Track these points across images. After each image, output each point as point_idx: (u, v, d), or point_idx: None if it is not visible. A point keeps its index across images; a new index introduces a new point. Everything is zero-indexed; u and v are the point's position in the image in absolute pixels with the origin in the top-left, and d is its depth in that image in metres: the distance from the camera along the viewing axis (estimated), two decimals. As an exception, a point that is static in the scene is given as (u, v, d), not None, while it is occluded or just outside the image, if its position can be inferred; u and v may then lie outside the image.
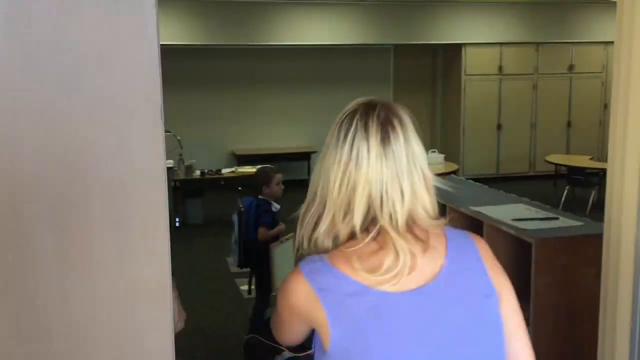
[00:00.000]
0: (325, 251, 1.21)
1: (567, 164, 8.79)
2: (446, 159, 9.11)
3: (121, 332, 1.17)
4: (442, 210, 3.03)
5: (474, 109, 10.35)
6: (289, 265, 3.08)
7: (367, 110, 1.23)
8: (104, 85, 1.11)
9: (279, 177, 4.39)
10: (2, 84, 1.05)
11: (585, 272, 2.28)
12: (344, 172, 1.19)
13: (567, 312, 2.25)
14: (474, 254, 1.24)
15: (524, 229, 2.38)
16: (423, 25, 9.92)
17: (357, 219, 1.18)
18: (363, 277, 1.15)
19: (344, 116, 1.26)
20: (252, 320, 4.35)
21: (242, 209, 4.29)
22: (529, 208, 2.74)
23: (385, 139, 1.20)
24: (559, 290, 2.25)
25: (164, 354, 1.20)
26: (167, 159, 8.00)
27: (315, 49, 10.09)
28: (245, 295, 5.61)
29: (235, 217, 4.35)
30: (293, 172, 10.27)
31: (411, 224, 1.19)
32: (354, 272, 1.16)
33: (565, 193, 8.56)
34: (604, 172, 8.63)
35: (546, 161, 9.22)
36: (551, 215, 2.58)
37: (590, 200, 8.34)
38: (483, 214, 2.65)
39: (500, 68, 10.33)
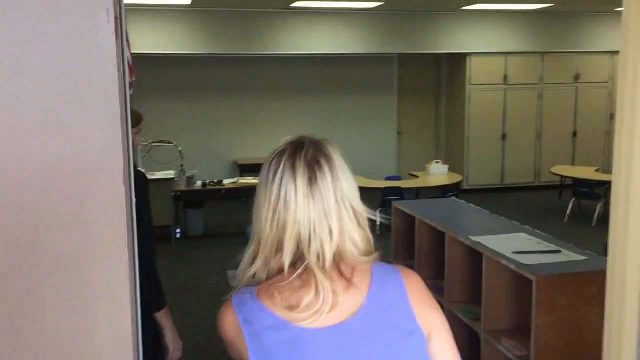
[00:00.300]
0: (259, 283, 1.25)
1: (573, 176, 8.68)
2: (450, 169, 9.03)
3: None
4: (441, 238, 2.95)
5: (479, 118, 10.26)
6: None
7: (295, 150, 1.25)
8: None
9: None
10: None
11: (589, 310, 2.19)
12: (274, 212, 1.23)
13: (569, 353, 2.16)
14: (399, 291, 1.24)
15: (524, 265, 2.29)
16: (427, 35, 9.85)
17: (287, 257, 1.22)
18: (283, 313, 1.19)
19: (274, 156, 1.28)
20: None
21: None
22: (530, 238, 2.65)
23: (312, 179, 1.22)
24: (561, 330, 2.16)
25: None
26: (168, 169, 7.99)
27: (319, 58, 10.03)
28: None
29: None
30: (296, 182, 10.21)
31: (339, 261, 1.22)
32: (276, 307, 1.20)
33: (571, 205, 8.47)
34: (610, 184, 8.53)
35: (551, 172, 9.12)
36: (553, 248, 2.49)
37: (596, 213, 8.24)
38: (482, 245, 2.57)
39: (505, 78, 10.24)
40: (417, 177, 8.79)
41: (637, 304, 1.86)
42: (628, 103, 1.81)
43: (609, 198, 8.30)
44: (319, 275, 1.19)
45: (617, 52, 8.85)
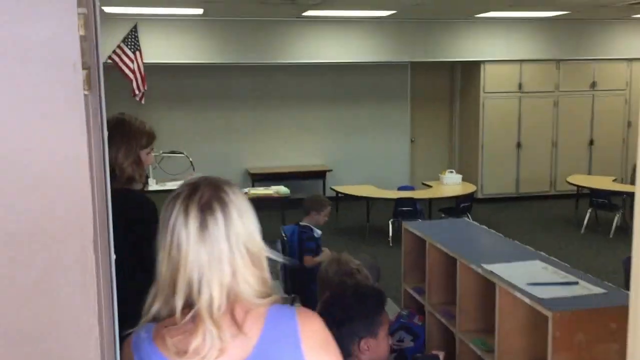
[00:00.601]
0: (160, 320, 1.27)
1: (590, 186, 8.53)
2: (464, 178, 8.92)
3: None
4: (453, 263, 2.86)
5: (493, 127, 10.13)
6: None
7: (189, 194, 1.26)
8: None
9: (330, 209, 4.45)
10: None
11: (608, 347, 2.09)
12: (169, 254, 1.24)
13: (587, 393, 2.07)
14: (292, 337, 1.24)
15: (540, 298, 2.20)
16: (441, 42, 9.75)
17: (179, 300, 1.22)
18: (174, 357, 1.20)
19: (170, 199, 1.29)
20: None
21: (285, 237, 4.35)
22: (546, 267, 2.55)
23: (203, 224, 1.23)
24: (578, 369, 2.07)
25: None
26: (178, 180, 7.94)
27: (332, 66, 9.96)
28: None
29: (278, 245, 4.42)
30: (308, 191, 10.14)
31: (234, 303, 1.23)
32: (168, 350, 1.21)
33: (587, 216, 8.32)
34: (627, 194, 8.42)
35: (567, 182, 8.97)
36: (570, 279, 2.39)
37: (614, 224, 8.09)
38: (496, 274, 2.47)
39: (520, 85, 10.11)
40: (430, 186, 8.68)
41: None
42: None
43: (627, 209, 8.14)
44: (207, 320, 1.19)
45: (634, 60, 8.74)
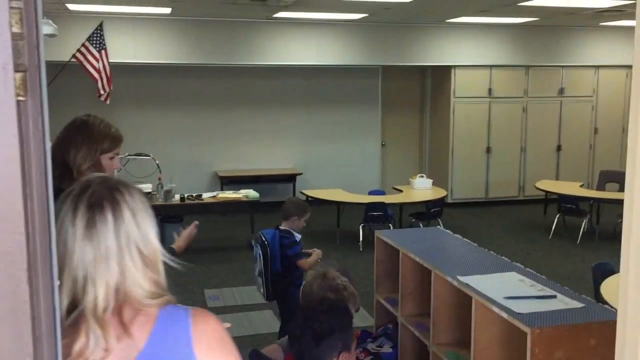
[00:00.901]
0: None
1: (558, 191, 8.59)
2: (435, 182, 8.90)
3: None
4: (427, 276, 2.78)
5: (463, 131, 10.15)
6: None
7: (80, 192, 1.25)
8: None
9: (309, 215, 4.33)
10: None
11: (587, 364, 2.03)
12: (57, 253, 1.16)
13: (566, 411, 2.00)
14: (183, 338, 1.23)
15: (517, 313, 2.13)
16: (412, 47, 9.73)
17: (64, 299, 1.19)
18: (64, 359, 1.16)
19: (62, 197, 1.26)
20: None
21: (266, 242, 4.25)
22: (522, 279, 2.49)
23: (90, 222, 1.21)
24: (557, 387, 2.00)
25: None
26: (146, 183, 7.75)
27: (303, 69, 9.86)
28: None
29: (258, 250, 4.31)
30: (278, 195, 10.01)
31: (122, 304, 1.21)
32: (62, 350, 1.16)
33: (555, 221, 8.38)
34: (595, 200, 8.52)
35: (536, 187, 9.02)
36: (547, 292, 2.33)
37: (582, 229, 8.16)
38: (472, 287, 2.40)
39: (490, 91, 10.15)
40: (401, 191, 8.64)
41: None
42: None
43: (594, 214, 8.16)
44: (91, 320, 1.17)
45: (601, 67, 8.81)
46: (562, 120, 10.55)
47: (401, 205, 8.28)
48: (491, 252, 3.02)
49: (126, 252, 1.23)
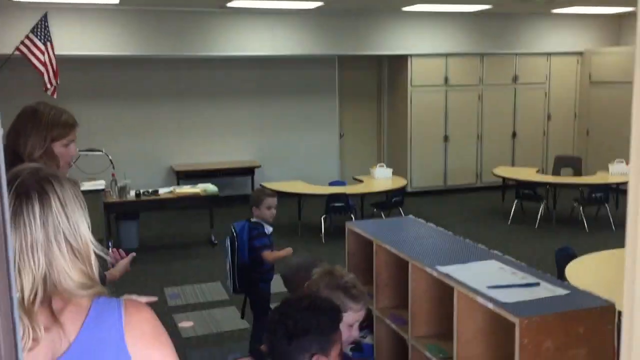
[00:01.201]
0: None
1: (516, 177, 8.69)
2: (394, 172, 8.87)
3: None
4: (403, 267, 2.69)
5: (421, 120, 10.17)
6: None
7: (9, 181, 1.22)
8: None
9: (270, 201, 4.22)
10: None
11: (576, 352, 1.98)
12: None
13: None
14: (115, 330, 1.22)
15: (503, 303, 2.06)
16: (368, 36, 9.66)
17: None
18: None
19: None
20: (251, 344, 4.24)
21: (235, 234, 4.18)
22: (503, 267, 2.43)
23: (17, 211, 1.21)
24: (547, 377, 1.94)
25: None
26: (99, 179, 7.46)
27: (258, 59, 9.68)
28: (184, 335, 5.15)
29: (227, 242, 4.24)
30: (237, 189, 9.84)
31: (51, 295, 1.20)
32: None
33: (514, 207, 8.47)
34: (551, 185, 8.66)
35: (494, 174, 9.11)
36: (531, 280, 2.27)
37: (539, 214, 8.27)
38: (453, 278, 2.32)
39: (446, 79, 10.19)
40: (361, 181, 8.58)
41: None
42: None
43: (551, 199, 8.27)
44: (19, 310, 1.10)
45: (554, 54, 8.92)
46: (517, 108, 10.69)
47: (362, 196, 8.22)
48: (467, 240, 2.96)
49: (54, 243, 1.21)
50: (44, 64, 7.58)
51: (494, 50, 10.32)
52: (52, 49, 7.68)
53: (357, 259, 3.26)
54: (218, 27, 8.97)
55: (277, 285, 4.06)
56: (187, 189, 7.70)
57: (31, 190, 1.23)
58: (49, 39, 7.68)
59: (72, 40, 8.26)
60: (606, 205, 8.03)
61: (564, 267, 4.53)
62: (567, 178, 9.15)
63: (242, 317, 4.89)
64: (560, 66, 10.74)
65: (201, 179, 8.63)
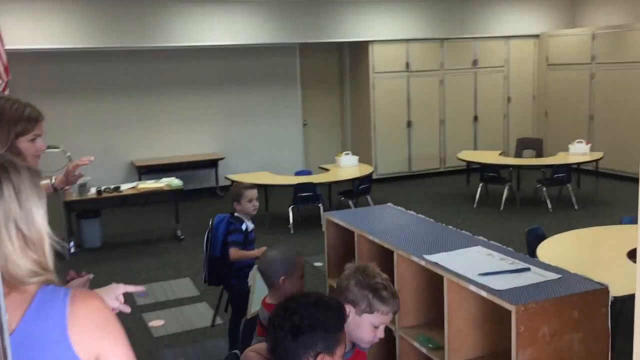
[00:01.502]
0: None
1: (480, 161, 8.77)
2: (359, 160, 8.83)
3: None
4: (386, 256, 2.64)
5: (384, 106, 10.16)
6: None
7: None
8: None
9: (250, 193, 4.16)
10: None
11: (571, 337, 1.97)
12: None
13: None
14: (57, 320, 1.20)
15: (497, 291, 2.03)
16: (328, 23, 9.58)
17: None
18: None
19: None
20: (230, 337, 4.18)
21: (211, 225, 4.13)
22: (490, 253, 2.40)
23: None
24: (545, 364, 1.92)
25: None
26: (57, 176, 7.20)
27: (217, 49, 9.48)
28: (155, 334, 5.02)
29: (205, 234, 4.20)
30: (201, 182, 9.67)
31: None
32: None
33: (479, 190, 8.55)
34: (514, 167, 8.77)
35: (458, 158, 9.17)
36: (520, 265, 2.25)
37: (504, 196, 8.36)
38: (441, 266, 2.28)
39: (407, 65, 10.19)
40: (327, 170, 8.52)
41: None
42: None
43: (514, 181, 8.34)
44: None
45: (512, 37, 9.04)
46: (477, 91, 10.78)
47: (330, 185, 8.16)
48: (449, 226, 2.93)
49: (3, 229, 1.20)
50: (-7, 59, 7.24)
51: (454, 35, 10.36)
52: (1, 42, 7.34)
53: (337, 251, 3.20)
54: (176, 17, 8.74)
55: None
56: (150, 184, 7.50)
57: None
58: (-3, 32, 7.34)
59: (22, 34, 7.92)
60: (568, 185, 8.18)
61: (535, 248, 4.57)
62: (529, 160, 9.28)
63: (215, 315, 4.82)
64: (518, 49, 10.86)
65: (163, 173, 8.43)
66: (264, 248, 4.02)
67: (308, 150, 10.63)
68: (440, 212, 8.19)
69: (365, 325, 1.97)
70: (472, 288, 2.09)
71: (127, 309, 1.69)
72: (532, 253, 4.64)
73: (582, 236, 4.82)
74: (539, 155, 9.43)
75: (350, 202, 7.95)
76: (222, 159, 9.56)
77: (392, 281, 2.64)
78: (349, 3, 9.57)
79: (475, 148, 10.71)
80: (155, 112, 9.46)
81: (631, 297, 1.41)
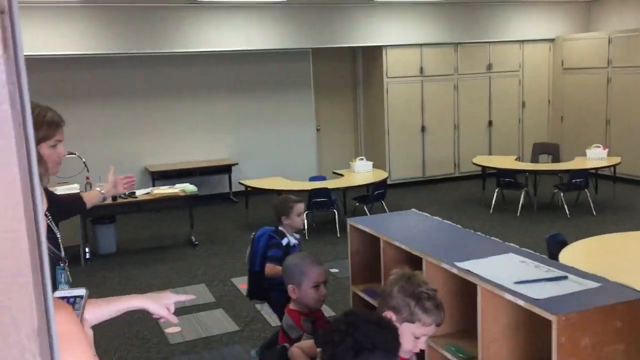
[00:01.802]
0: None
1: (495, 165, 8.68)
2: (373, 165, 8.77)
3: None
4: (414, 264, 2.57)
5: (397, 111, 10.09)
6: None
7: None
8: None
9: (300, 207, 4.05)
10: None
11: (614, 348, 1.89)
12: None
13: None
14: None
15: (536, 300, 1.96)
16: (341, 28, 9.53)
17: None
18: None
19: None
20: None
21: (252, 239, 4.03)
22: (525, 261, 2.33)
23: None
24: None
25: None
26: (73, 183, 7.18)
27: (231, 55, 9.46)
28: (172, 341, 4.96)
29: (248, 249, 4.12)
30: (214, 187, 9.65)
31: None
32: None
33: (495, 195, 8.45)
34: (530, 172, 8.68)
35: (473, 163, 9.08)
36: (558, 273, 2.18)
37: (520, 202, 8.26)
38: (475, 274, 2.21)
39: (421, 69, 10.12)
40: (341, 175, 8.46)
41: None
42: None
43: (531, 186, 8.25)
44: None
45: (526, 41, 8.95)
46: (492, 96, 10.69)
47: (344, 190, 8.10)
48: (478, 232, 2.86)
49: None
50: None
51: (468, 40, 10.29)
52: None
53: (361, 257, 3.13)
54: (189, 23, 8.73)
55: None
56: (165, 190, 7.47)
57: None
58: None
59: (34, 40, 7.94)
60: (586, 190, 8.07)
61: (557, 254, 4.49)
62: (546, 165, 9.18)
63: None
64: (533, 54, 10.77)
65: (177, 179, 8.41)
66: None
67: (321, 155, 10.58)
68: (457, 218, 8.10)
69: (405, 334, 1.91)
70: (508, 297, 2.02)
71: (174, 320, 1.62)
72: (554, 259, 4.56)
73: (605, 242, 4.73)
74: (556, 160, 9.33)
75: (365, 208, 7.88)
76: (235, 164, 9.52)
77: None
78: (362, 8, 9.53)
79: (490, 153, 10.62)
80: (169, 117, 9.45)
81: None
